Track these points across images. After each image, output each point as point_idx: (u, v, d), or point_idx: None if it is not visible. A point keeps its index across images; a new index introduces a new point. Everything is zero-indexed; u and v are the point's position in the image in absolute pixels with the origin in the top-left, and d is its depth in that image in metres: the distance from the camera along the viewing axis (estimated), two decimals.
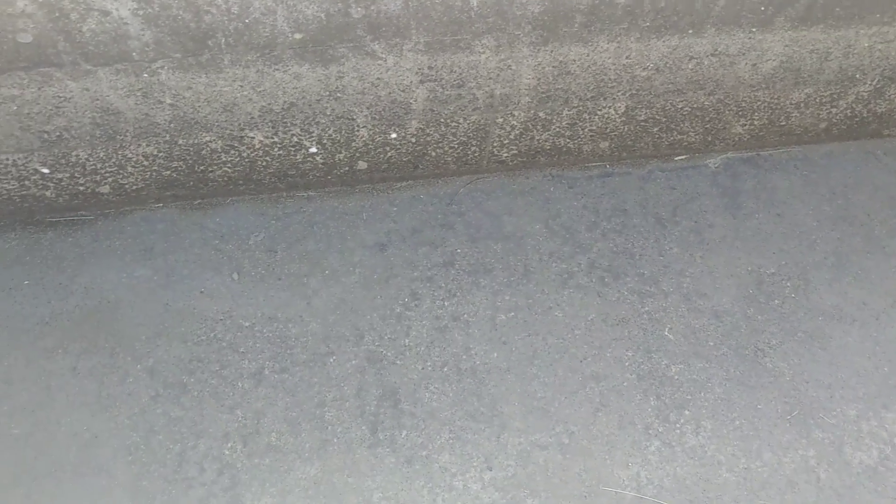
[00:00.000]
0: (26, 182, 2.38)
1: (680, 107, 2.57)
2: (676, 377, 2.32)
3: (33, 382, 2.26)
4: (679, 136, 2.70)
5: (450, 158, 2.62)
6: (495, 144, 2.60)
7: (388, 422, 2.24)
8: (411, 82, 2.30)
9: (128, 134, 2.28)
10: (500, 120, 2.50)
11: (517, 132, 2.56)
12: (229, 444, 2.19)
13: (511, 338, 2.40)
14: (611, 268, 2.54)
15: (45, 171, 2.35)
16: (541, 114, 2.50)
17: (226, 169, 2.48)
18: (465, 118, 2.46)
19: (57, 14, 1.90)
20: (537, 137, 2.60)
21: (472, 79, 2.32)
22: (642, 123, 2.61)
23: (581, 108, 2.51)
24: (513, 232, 2.60)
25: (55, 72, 2.05)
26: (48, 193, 2.44)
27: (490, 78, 2.33)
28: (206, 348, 2.34)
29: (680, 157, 2.79)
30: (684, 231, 2.62)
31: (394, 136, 2.48)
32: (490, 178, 2.72)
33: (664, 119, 2.61)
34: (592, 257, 2.56)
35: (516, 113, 2.48)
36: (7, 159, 2.28)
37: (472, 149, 2.60)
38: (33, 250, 2.48)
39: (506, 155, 2.65)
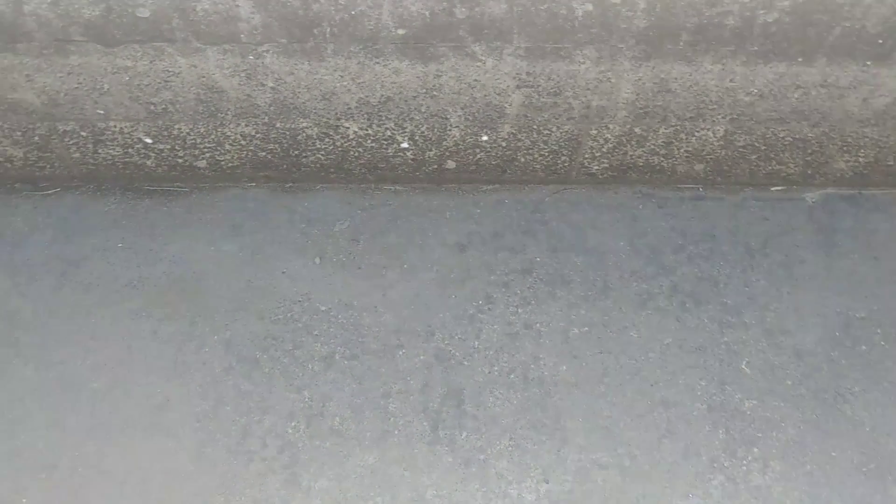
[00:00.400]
0: (130, 150, 2.49)
1: (781, 136, 2.49)
2: (749, 413, 2.25)
3: (116, 341, 2.36)
4: (778, 167, 2.62)
5: (539, 166, 2.61)
6: (587, 156, 2.57)
7: (450, 421, 2.25)
8: (508, 86, 2.30)
9: (228, 112, 2.35)
10: (594, 132, 2.47)
11: (610, 146, 2.53)
12: (293, 423, 2.24)
13: (582, 353, 2.37)
14: (693, 293, 2.48)
15: (149, 140, 2.45)
16: (636, 129, 2.46)
17: (319, 156, 2.53)
18: (558, 127, 2.45)
19: None
20: (630, 153, 2.56)
21: (569, 88, 2.30)
22: (740, 149, 2.54)
23: (678, 127, 2.46)
24: (595, 246, 2.57)
25: (167, 47, 2.13)
26: (149, 163, 2.54)
27: (588, 89, 2.31)
28: (281, 327, 2.40)
29: (777, 188, 2.71)
30: (773, 264, 2.53)
31: (485, 138, 2.49)
32: (578, 189, 2.69)
33: (764, 147, 2.53)
34: (675, 281, 2.50)
35: (611, 126, 2.45)
36: (115, 126, 2.39)
37: (563, 158, 2.58)
38: (130, 215, 2.59)
39: (596, 168, 2.62)
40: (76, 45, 2.12)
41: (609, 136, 2.49)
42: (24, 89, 2.25)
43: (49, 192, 2.62)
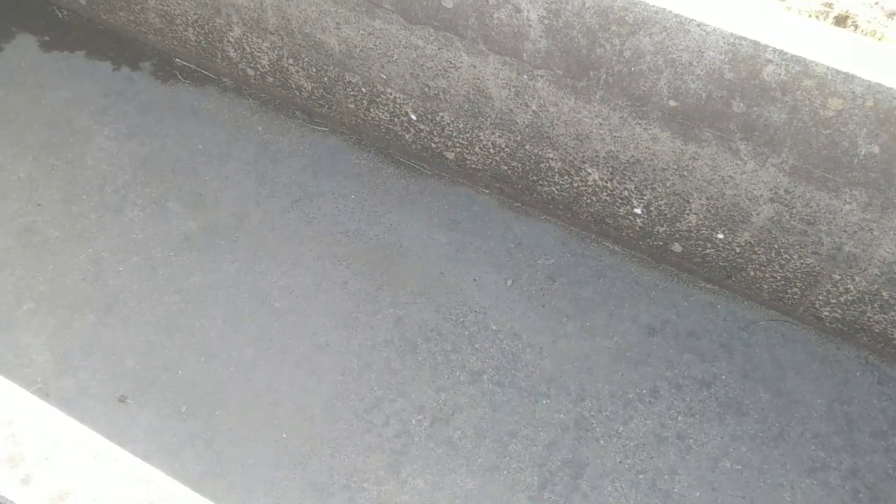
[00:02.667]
0: (395, 119, 2.67)
1: None
2: None
3: (310, 275, 2.56)
4: None
5: (766, 286, 2.44)
6: (820, 298, 2.37)
7: (560, 488, 2.19)
8: (761, 195, 2.18)
9: (488, 119, 2.45)
10: (837, 277, 2.27)
11: (849, 298, 2.31)
12: (419, 417, 2.30)
13: (723, 488, 2.20)
14: (873, 487, 2.20)
15: (414, 117, 2.62)
16: (884, 293, 2.23)
17: (553, 189, 2.56)
18: (800, 256, 2.28)
19: None
20: (869, 315, 2.32)
21: (825, 222, 2.13)
22: None
23: None
24: (790, 391, 2.36)
25: (457, 41, 2.26)
26: (407, 136, 2.72)
27: (845, 231, 2.12)
28: (450, 327, 2.46)
29: None
30: None
31: (720, 236, 2.37)
32: (797, 327, 2.49)
33: None
34: (859, 465, 2.24)
35: (857, 279, 2.24)
36: (390, 94, 2.58)
37: (794, 290, 2.39)
38: (372, 175, 2.78)
39: (826, 314, 2.40)
40: (383, 12, 2.31)
41: (851, 287, 2.27)
42: (330, 34, 2.50)
43: (319, 128, 2.89)
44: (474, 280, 2.56)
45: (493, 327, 2.46)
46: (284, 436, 2.28)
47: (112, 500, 1.29)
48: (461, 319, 2.48)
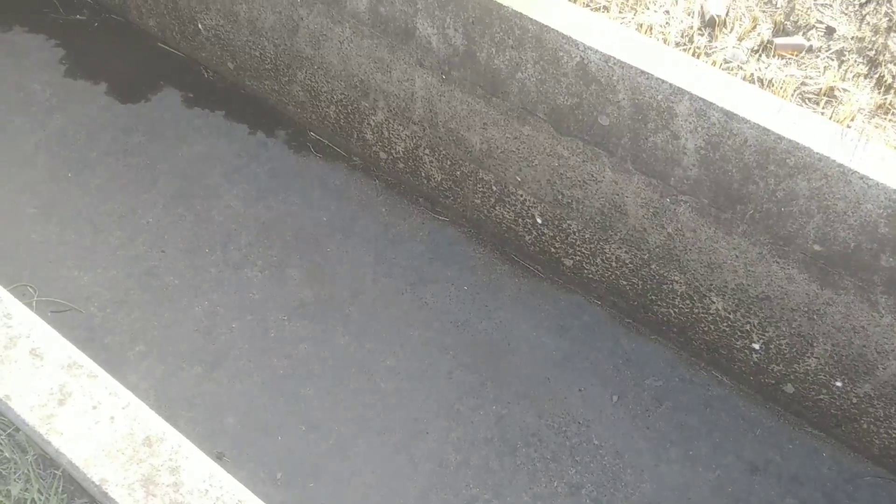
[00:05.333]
0: (520, 220, 2.72)
1: None
2: None
3: (417, 359, 2.57)
4: None
5: (878, 441, 2.39)
6: None
7: None
8: (892, 350, 2.15)
9: (618, 234, 2.49)
10: None
11: None
12: None
13: None
14: None
15: (539, 221, 2.67)
16: None
17: (671, 311, 2.56)
18: None
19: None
20: None
21: None
22: None
23: None
24: None
25: (604, 157, 2.32)
26: (528, 238, 2.76)
27: None
28: (552, 435, 2.44)
29: None
30: None
31: (839, 384, 2.34)
32: None
33: None
34: None
35: None
36: (521, 196, 2.64)
37: None
38: (486, 270, 2.82)
39: None
40: (535, 119, 2.39)
41: None
42: (474, 133, 2.58)
43: (439, 217, 2.95)
44: (579, 390, 2.55)
45: (596, 442, 2.44)
46: None
47: None
48: (563, 429, 2.46)
